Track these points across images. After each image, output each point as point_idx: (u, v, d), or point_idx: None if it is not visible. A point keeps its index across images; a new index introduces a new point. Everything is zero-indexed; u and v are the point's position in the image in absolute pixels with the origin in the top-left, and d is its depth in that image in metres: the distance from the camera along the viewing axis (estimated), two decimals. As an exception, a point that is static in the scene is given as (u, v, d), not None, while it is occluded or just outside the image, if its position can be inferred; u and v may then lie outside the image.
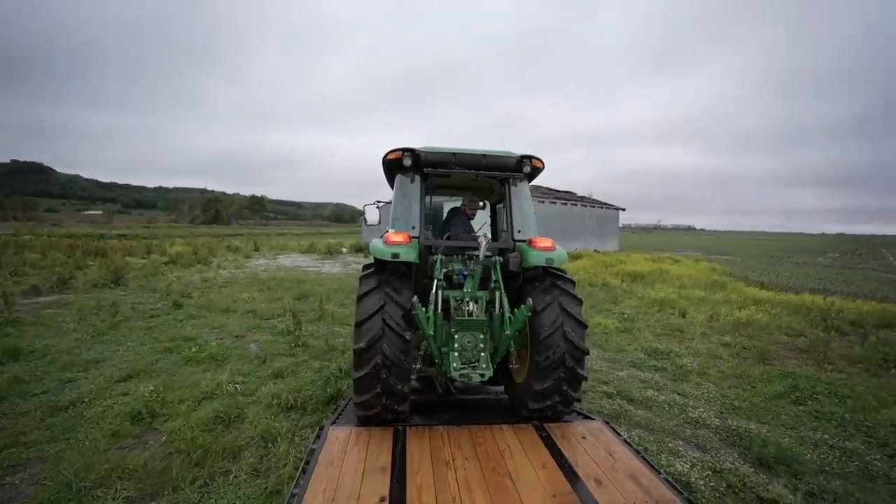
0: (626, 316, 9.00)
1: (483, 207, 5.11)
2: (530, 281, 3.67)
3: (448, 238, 4.35)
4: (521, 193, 4.10)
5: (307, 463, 2.77)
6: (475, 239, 4.11)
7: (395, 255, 3.30)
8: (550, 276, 3.62)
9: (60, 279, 10.96)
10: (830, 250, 47.81)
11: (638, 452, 3.02)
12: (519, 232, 3.94)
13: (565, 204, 28.88)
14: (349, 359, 5.40)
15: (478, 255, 3.56)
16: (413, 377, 3.59)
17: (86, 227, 53.02)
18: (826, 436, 4.03)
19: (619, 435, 3.29)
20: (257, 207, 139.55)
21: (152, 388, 4.55)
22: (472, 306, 3.48)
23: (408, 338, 3.25)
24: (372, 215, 4.96)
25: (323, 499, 2.36)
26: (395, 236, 3.42)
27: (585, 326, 3.50)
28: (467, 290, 3.53)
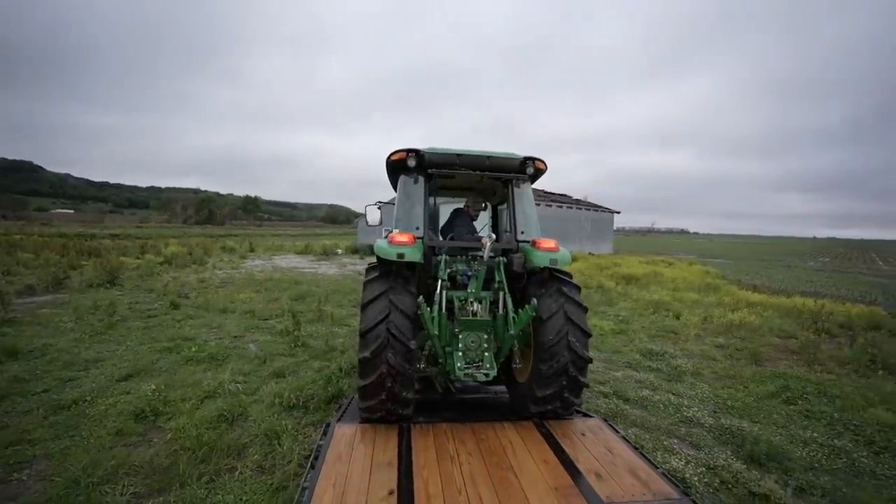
0: (621, 318, 9.13)
1: (485, 209, 5.17)
2: (534, 281, 3.73)
3: (452, 239, 4.39)
4: (524, 195, 4.13)
5: (316, 458, 2.83)
6: (479, 240, 4.15)
7: (401, 256, 3.32)
8: (556, 281, 3.65)
9: (55, 279, 10.91)
10: (821, 254, 48.47)
11: (636, 448, 3.12)
12: (522, 233, 3.97)
13: (560, 207, 29.08)
14: (349, 359, 5.46)
15: (482, 256, 3.61)
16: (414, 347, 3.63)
17: (77, 227, 52.51)
18: (815, 434, 4.15)
19: (618, 432, 3.39)
20: (251, 208, 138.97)
21: (154, 387, 4.57)
22: (476, 306, 3.52)
23: (412, 346, 3.27)
24: (373, 216, 4.99)
25: (333, 493, 2.43)
26: (400, 236, 3.44)
27: (589, 335, 3.54)
28: (471, 291, 3.58)
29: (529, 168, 4.02)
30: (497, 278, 3.63)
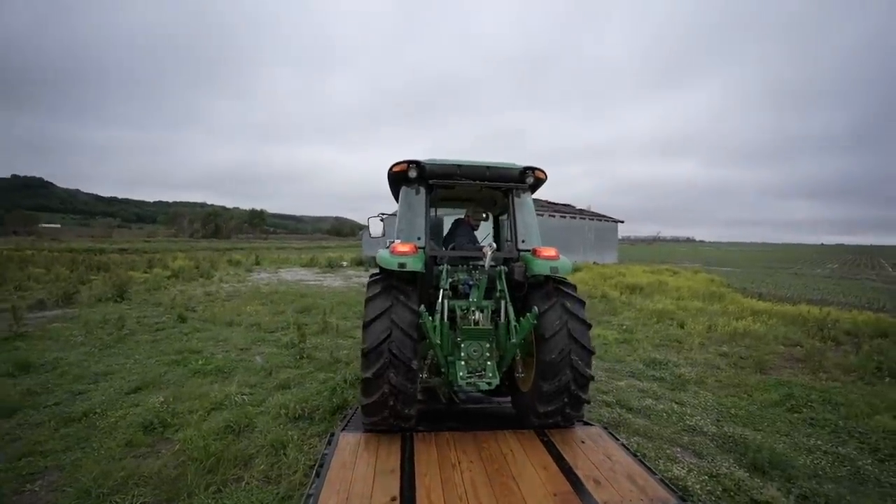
0: (625, 327, 9.13)
1: (486, 219, 5.21)
2: (535, 290, 3.75)
3: (453, 249, 4.44)
4: (524, 204, 4.18)
5: (321, 466, 2.89)
6: (480, 249, 4.19)
7: (402, 265, 3.38)
8: (559, 295, 3.64)
9: (66, 294, 11.09)
10: (829, 261, 48.03)
11: (635, 455, 3.15)
12: (523, 242, 4.00)
13: (564, 217, 29.17)
14: (354, 370, 5.52)
15: (483, 265, 3.66)
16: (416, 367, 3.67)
17: (87, 242, 53.21)
18: (819, 442, 4.15)
19: (617, 440, 3.41)
20: (257, 221, 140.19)
21: (162, 399, 4.67)
22: (477, 315, 3.56)
23: (414, 367, 3.31)
24: (376, 227, 5.07)
25: (337, 499, 2.49)
26: (401, 246, 3.50)
27: (592, 353, 3.55)
28: (473, 300, 3.61)
29: (529, 178, 4.07)
30: (498, 287, 3.66)
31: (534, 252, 3.79)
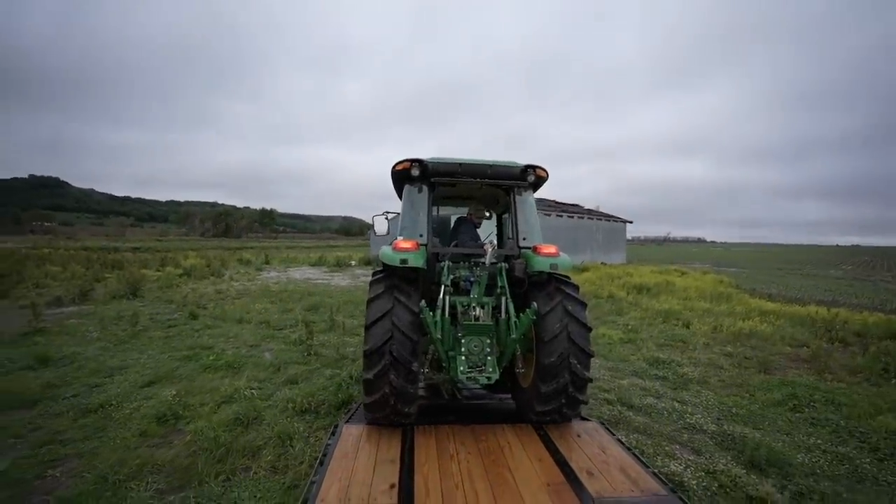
0: (630, 327, 9.14)
1: (489, 217, 5.26)
2: (535, 286, 3.81)
3: (455, 245, 4.50)
4: (525, 202, 4.22)
5: (324, 456, 3.01)
6: (481, 246, 4.25)
7: (404, 261, 3.45)
8: (560, 295, 3.69)
9: (82, 291, 11.39)
10: (843, 262, 47.20)
11: (629, 449, 3.22)
12: (524, 239, 4.06)
13: (572, 217, 29.09)
14: (359, 367, 5.64)
15: (484, 262, 3.73)
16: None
17: (101, 240, 54.26)
18: (819, 441, 4.17)
19: (613, 434, 3.48)
20: (267, 221, 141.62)
21: (175, 392, 4.84)
22: (478, 311, 3.61)
23: (415, 369, 3.38)
24: (381, 226, 5.16)
25: (339, 486, 2.60)
26: (403, 243, 3.57)
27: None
28: (474, 296, 3.68)
29: (530, 176, 4.11)
30: (499, 284, 3.72)
31: (534, 249, 3.84)
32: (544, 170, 4.19)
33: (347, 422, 3.67)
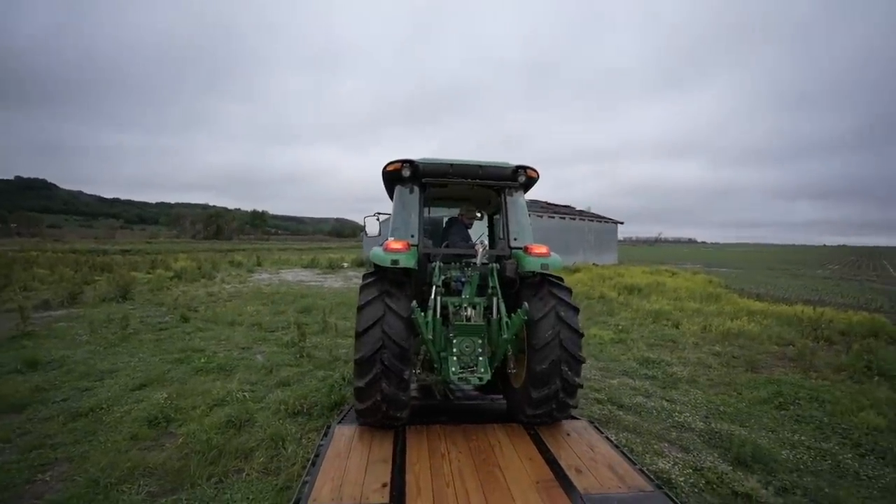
0: (620, 327, 9.24)
1: (480, 218, 5.27)
2: (527, 286, 3.82)
3: (446, 246, 4.50)
4: (516, 203, 4.25)
5: (317, 456, 3.04)
6: (472, 247, 4.27)
7: (395, 262, 3.45)
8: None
9: (70, 294, 11.26)
10: (830, 262, 48.00)
11: (617, 447, 3.28)
12: (515, 240, 4.08)
13: (563, 218, 29.27)
14: (352, 368, 5.65)
15: (475, 262, 3.74)
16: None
17: (89, 243, 53.52)
18: (803, 437, 4.26)
19: (602, 432, 3.55)
20: (258, 222, 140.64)
21: (166, 395, 4.82)
22: (469, 311, 3.62)
23: (406, 377, 3.37)
24: (372, 227, 5.16)
25: (332, 486, 2.63)
26: (394, 244, 3.57)
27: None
28: (465, 296, 3.69)
29: (521, 176, 4.13)
30: (490, 284, 3.74)
31: (525, 249, 3.86)
32: (535, 170, 4.21)
33: (340, 422, 3.69)
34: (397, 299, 3.50)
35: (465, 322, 3.52)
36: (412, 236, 3.91)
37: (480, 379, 3.30)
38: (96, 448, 3.77)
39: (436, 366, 3.56)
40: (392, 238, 3.83)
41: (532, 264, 3.71)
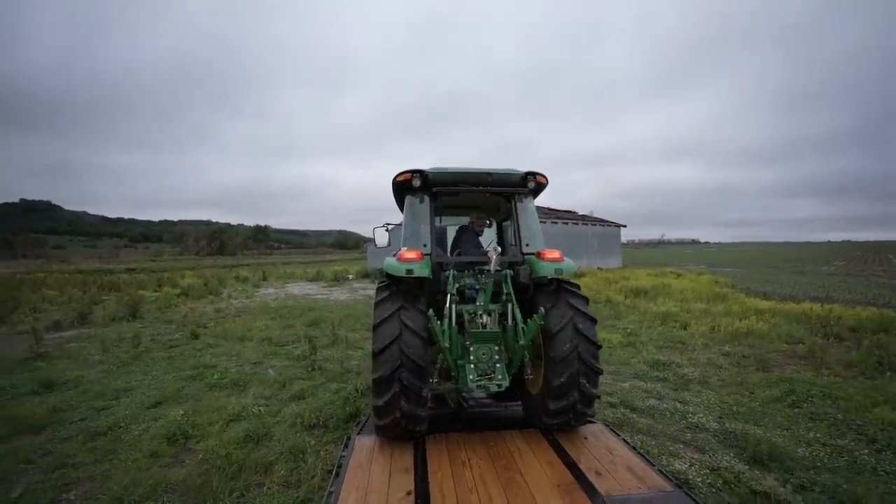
0: (629, 330, 9.24)
1: (490, 225, 5.29)
2: (541, 292, 3.83)
3: (459, 254, 4.52)
4: (526, 209, 4.28)
5: (339, 467, 3.08)
6: (485, 254, 4.23)
7: (410, 272, 3.46)
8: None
9: (80, 314, 11.37)
10: (835, 258, 47.76)
11: (634, 449, 3.31)
12: (527, 245, 4.10)
13: (566, 223, 29.32)
14: (365, 380, 5.69)
15: (489, 270, 3.74)
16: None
17: (95, 263, 53.88)
18: (818, 434, 4.27)
19: (618, 435, 3.57)
20: (261, 237, 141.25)
21: (182, 412, 4.87)
22: (485, 319, 3.63)
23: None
24: (381, 238, 5.20)
25: (357, 496, 2.67)
26: (408, 253, 3.56)
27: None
28: (480, 304, 3.69)
29: (531, 182, 4.18)
30: (505, 290, 3.74)
31: (538, 255, 3.88)
32: (544, 176, 4.25)
33: (359, 433, 3.73)
34: (413, 316, 3.47)
35: (481, 329, 3.53)
36: (424, 245, 3.93)
37: (499, 386, 3.30)
38: (117, 466, 3.81)
39: (453, 374, 3.55)
40: (404, 248, 3.84)
41: (546, 269, 3.72)
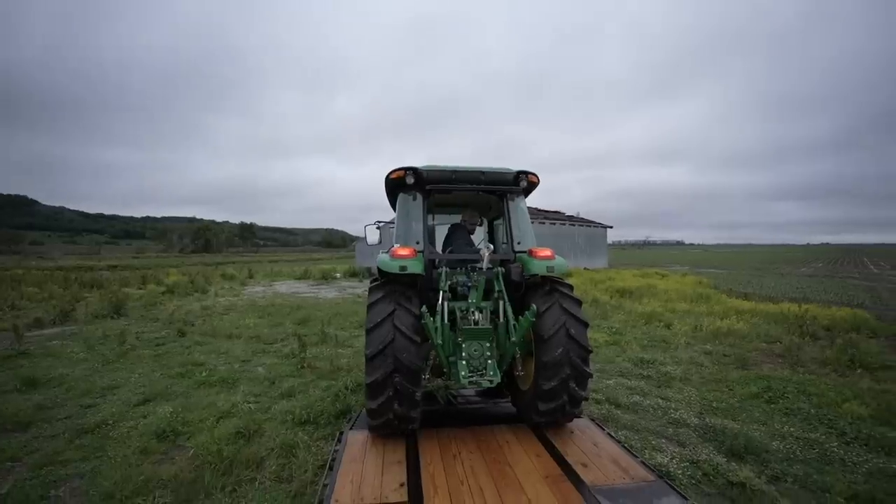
0: (614, 329, 9.45)
1: (481, 224, 5.35)
2: (532, 289, 3.90)
3: (451, 252, 4.56)
4: (518, 207, 4.36)
5: (333, 461, 3.14)
6: (477, 252, 4.33)
7: (403, 268, 3.50)
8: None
9: (62, 311, 11.15)
10: (814, 261, 49.15)
11: (619, 442, 3.44)
12: (519, 244, 4.18)
13: (554, 224, 29.64)
14: (355, 377, 5.73)
15: (481, 267, 3.80)
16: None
17: (75, 259, 52.58)
18: (792, 429, 4.46)
19: (604, 429, 3.70)
20: (247, 235, 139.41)
21: (171, 409, 4.86)
22: (477, 316, 3.68)
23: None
24: (372, 236, 5.23)
25: (351, 487, 2.74)
26: (401, 250, 3.59)
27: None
28: (472, 301, 3.73)
29: (523, 181, 4.24)
30: (496, 288, 3.81)
31: (530, 253, 3.96)
32: (536, 175, 4.32)
33: (351, 428, 3.79)
34: (406, 319, 3.48)
35: (473, 326, 3.57)
36: (417, 243, 3.97)
37: (491, 382, 3.32)
38: (106, 463, 3.81)
39: (445, 370, 3.60)
40: (397, 245, 3.87)
41: (537, 267, 3.79)
